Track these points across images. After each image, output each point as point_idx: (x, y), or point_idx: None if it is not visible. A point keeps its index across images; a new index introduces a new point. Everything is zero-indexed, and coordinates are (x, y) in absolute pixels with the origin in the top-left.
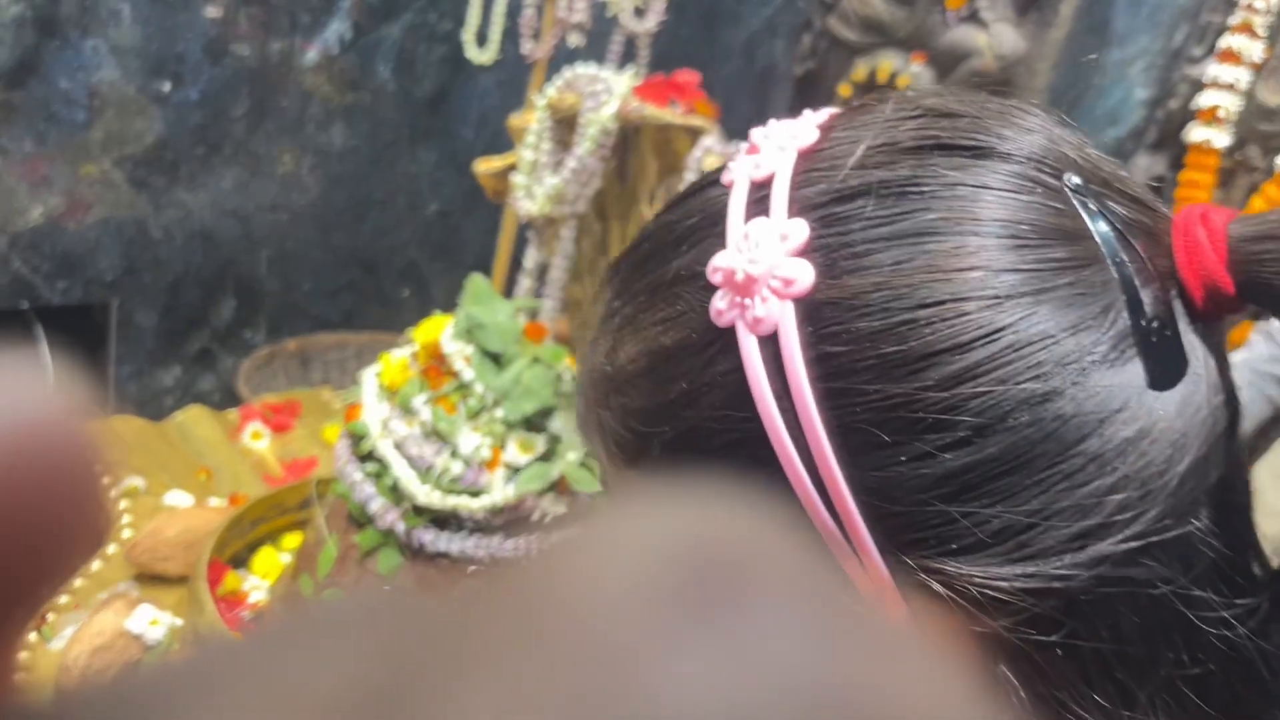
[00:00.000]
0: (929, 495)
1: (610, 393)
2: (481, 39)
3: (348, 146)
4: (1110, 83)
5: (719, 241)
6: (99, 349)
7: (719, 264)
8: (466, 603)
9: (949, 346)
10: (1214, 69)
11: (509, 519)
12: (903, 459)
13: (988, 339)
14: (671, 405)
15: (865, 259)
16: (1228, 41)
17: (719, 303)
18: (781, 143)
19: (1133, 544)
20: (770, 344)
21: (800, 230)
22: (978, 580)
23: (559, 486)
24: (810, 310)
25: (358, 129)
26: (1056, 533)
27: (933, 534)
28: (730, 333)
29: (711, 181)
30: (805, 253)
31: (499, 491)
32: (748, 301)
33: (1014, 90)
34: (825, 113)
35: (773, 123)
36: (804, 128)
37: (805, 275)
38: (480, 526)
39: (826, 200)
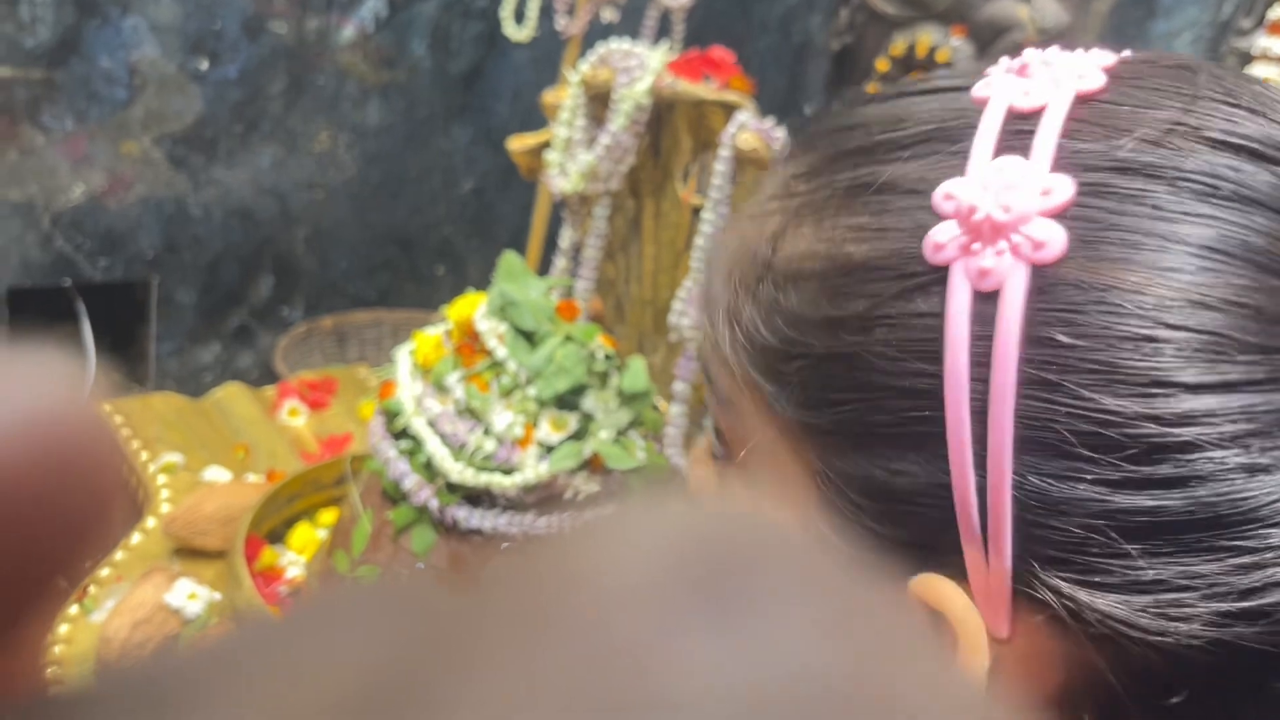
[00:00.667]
0: (1097, 522)
1: (763, 280)
2: (519, 16)
3: (383, 124)
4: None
5: (956, 165)
6: (140, 326)
7: (956, 193)
8: (480, 593)
9: (1192, 383)
10: (1263, 41)
11: (541, 497)
12: (1088, 479)
13: (1230, 389)
14: (836, 323)
15: (1136, 252)
16: (1277, 13)
17: (940, 235)
18: (1058, 76)
19: None
20: (987, 303)
21: (1065, 189)
22: (1107, 620)
23: (592, 465)
24: (1048, 284)
25: (393, 106)
26: (1209, 605)
27: (1081, 560)
28: (942, 273)
29: (957, 87)
30: (1063, 217)
31: (531, 469)
32: (977, 247)
33: None
34: (1114, 56)
35: (1054, 49)
36: (1089, 67)
37: (1057, 242)
38: (513, 504)
39: (1103, 165)
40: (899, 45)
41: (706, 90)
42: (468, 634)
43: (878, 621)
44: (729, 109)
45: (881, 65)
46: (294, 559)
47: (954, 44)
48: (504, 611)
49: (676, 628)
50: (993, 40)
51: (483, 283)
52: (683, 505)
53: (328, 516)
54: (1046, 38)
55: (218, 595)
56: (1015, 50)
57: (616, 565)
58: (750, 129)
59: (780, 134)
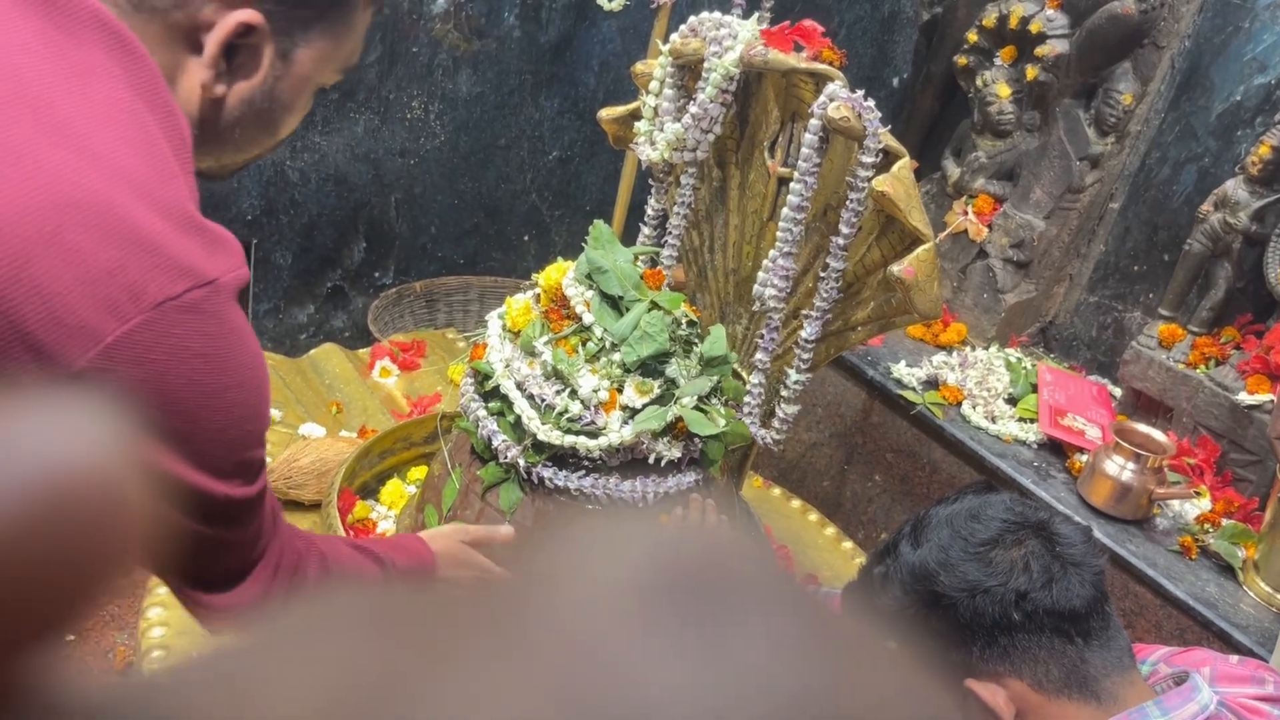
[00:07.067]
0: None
1: None
2: None
3: (473, 93)
4: (1260, 27)
5: None
6: None
7: None
8: (462, 605)
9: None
10: None
11: (625, 459)
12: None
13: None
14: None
15: None
16: None
17: None
18: None
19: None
20: None
21: None
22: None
23: (675, 429)
24: None
25: (483, 76)
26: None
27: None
28: None
29: None
30: None
31: (615, 432)
32: None
33: (1153, 36)
34: None
35: None
36: None
37: None
38: (598, 465)
39: None
40: (990, 17)
41: (797, 60)
42: (449, 636)
43: (839, 637)
44: (818, 80)
45: (971, 37)
46: (385, 513)
47: (1049, 15)
48: (484, 617)
49: (649, 639)
50: (1089, 11)
51: (567, 250)
52: (660, 524)
53: (417, 473)
54: (1146, 7)
55: None
56: (1112, 22)
57: (592, 582)
58: (841, 99)
59: (871, 105)
